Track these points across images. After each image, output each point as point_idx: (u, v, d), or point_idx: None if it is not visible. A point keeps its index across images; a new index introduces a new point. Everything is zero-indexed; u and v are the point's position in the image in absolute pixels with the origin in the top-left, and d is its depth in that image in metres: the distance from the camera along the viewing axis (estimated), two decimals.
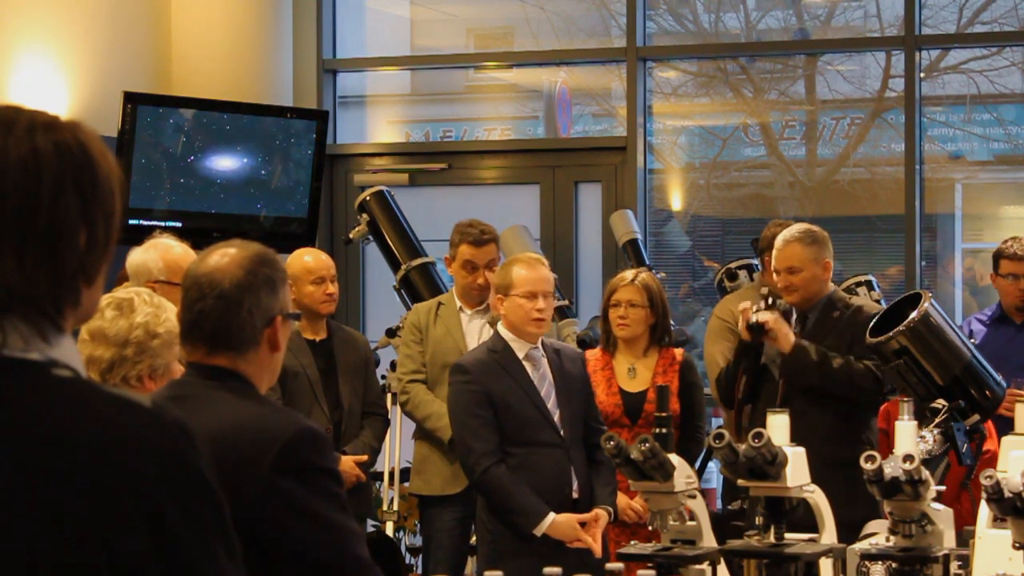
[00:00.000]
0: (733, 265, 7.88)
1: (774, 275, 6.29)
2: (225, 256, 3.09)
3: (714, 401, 6.99)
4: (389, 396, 6.96)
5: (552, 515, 5.43)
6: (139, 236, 5.85)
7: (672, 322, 6.45)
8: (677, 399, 6.03)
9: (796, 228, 6.32)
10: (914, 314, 5.28)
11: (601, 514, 5.51)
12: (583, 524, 5.49)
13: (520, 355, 5.65)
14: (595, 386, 6.02)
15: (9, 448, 1.88)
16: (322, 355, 6.46)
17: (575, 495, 5.57)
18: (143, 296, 3.64)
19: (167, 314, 3.56)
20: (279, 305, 3.10)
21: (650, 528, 4.58)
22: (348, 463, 6.16)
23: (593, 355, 6.31)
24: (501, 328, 5.72)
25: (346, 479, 5.58)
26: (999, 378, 5.61)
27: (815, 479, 4.51)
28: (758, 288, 7.10)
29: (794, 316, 6.18)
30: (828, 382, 5.97)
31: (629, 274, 6.31)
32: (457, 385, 5.67)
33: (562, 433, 5.60)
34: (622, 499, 5.86)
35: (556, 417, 5.62)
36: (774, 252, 6.28)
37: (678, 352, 6.29)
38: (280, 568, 2.90)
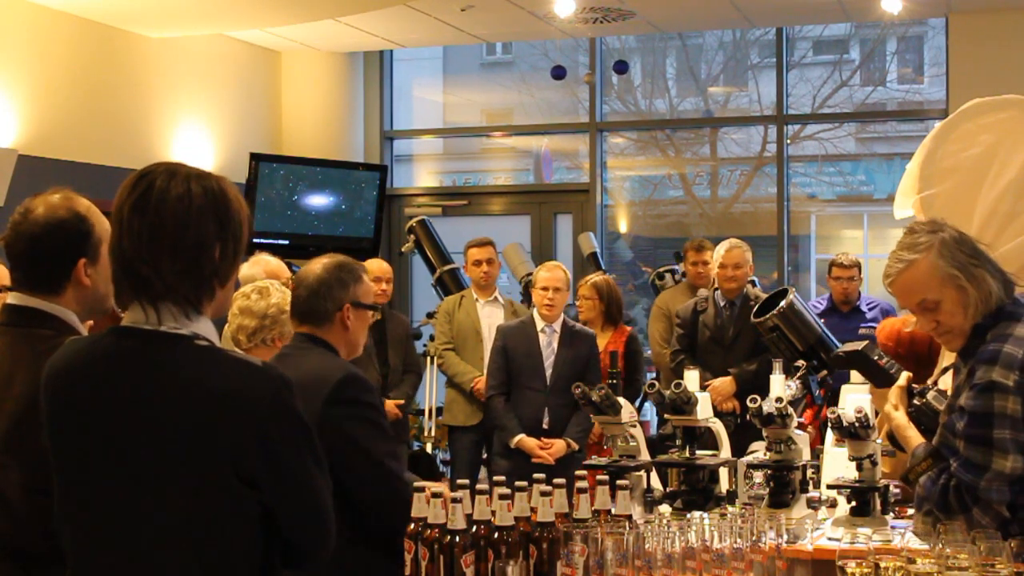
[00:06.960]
0: (661, 270, 7.85)
1: (719, 270, 6.10)
2: (318, 263, 3.10)
3: (651, 361, 6.98)
4: (428, 359, 6.93)
5: (522, 435, 5.56)
6: (262, 249, 5.86)
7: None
8: (623, 360, 6.03)
9: (736, 240, 6.15)
10: (783, 303, 5.27)
11: (559, 443, 5.56)
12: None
13: (539, 328, 5.68)
14: None
15: (167, 391, 1.91)
16: (376, 330, 6.34)
17: (546, 426, 5.61)
18: (275, 285, 3.64)
19: (289, 297, 3.55)
20: (348, 297, 3.07)
21: (605, 447, 4.59)
22: (390, 405, 6.08)
23: None
24: (534, 309, 5.79)
25: (389, 416, 5.59)
26: (840, 346, 5.59)
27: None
28: (687, 286, 7.05)
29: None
30: (755, 377, 5.83)
31: (587, 279, 6.37)
32: (495, 339, 5.82)
33: (548, 383, 5.62)
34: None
35: (548, 373, 5.63)
36: (722, 254, 6.09)
37: (627, 328, 6.30)
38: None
